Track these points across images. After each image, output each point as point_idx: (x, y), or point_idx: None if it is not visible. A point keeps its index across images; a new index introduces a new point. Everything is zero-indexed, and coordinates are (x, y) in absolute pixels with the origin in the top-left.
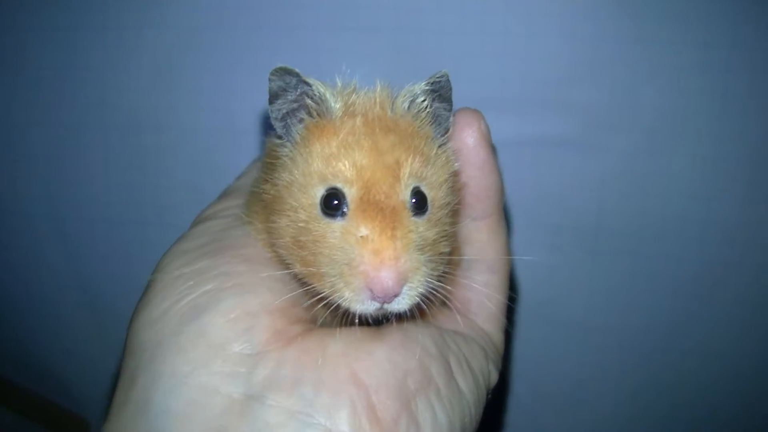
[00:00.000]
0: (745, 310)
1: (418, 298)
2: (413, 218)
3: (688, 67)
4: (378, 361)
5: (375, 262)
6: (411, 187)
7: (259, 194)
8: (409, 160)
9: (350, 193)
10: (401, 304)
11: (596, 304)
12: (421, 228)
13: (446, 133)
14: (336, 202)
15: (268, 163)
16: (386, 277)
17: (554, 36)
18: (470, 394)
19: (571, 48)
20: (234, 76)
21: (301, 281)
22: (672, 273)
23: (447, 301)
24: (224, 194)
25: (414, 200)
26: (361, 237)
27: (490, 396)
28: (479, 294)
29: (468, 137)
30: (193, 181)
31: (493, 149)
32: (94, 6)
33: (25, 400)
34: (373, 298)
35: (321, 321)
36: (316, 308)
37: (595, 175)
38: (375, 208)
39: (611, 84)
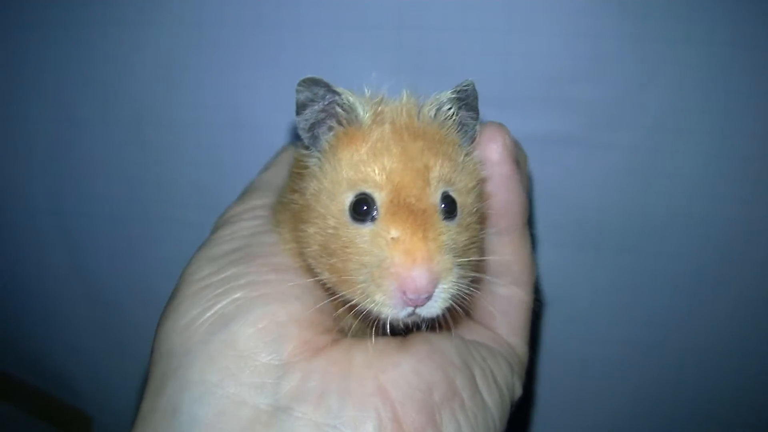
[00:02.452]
0: (747, 308)
1: (450, 301)
2: (444, 222)
3: (691, 64)
4: (404, 373)
5: (407, 262)
6: (440, 191)
7: (286, 204)
8: (438, 164)
9: (380, 198)
10: (433, 308)
11: (598, 301)
12: (451, 232)
13: (473, 141)
14: (365, 207)
15: (295, 173)
16: (419, 276)
17: (557, 33)
18: (495, 407)
19: (574, 45)
20: (236, 72)
21: (329, 291)
22: (674, 270)
23: (472, 313)
24: (247, 191)
25: (444, 205)
26: (392, 239)
27: (514, 409)
28: (504, 307)
29: (493, 152)
30: (195, 177)
31: (517, 164)
32: (96, 2)
33: (27, 395)
34: (405, 301)
35: (351, 332)
36: (345, 318)
37: (598, 173)
38: (405, 211)
39: (614, 81)
